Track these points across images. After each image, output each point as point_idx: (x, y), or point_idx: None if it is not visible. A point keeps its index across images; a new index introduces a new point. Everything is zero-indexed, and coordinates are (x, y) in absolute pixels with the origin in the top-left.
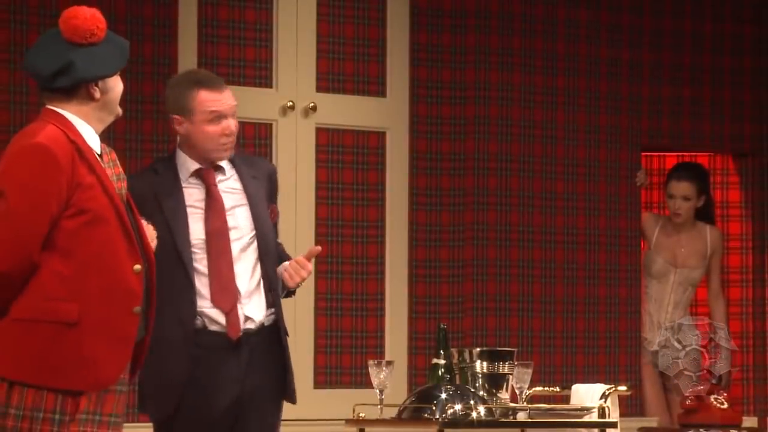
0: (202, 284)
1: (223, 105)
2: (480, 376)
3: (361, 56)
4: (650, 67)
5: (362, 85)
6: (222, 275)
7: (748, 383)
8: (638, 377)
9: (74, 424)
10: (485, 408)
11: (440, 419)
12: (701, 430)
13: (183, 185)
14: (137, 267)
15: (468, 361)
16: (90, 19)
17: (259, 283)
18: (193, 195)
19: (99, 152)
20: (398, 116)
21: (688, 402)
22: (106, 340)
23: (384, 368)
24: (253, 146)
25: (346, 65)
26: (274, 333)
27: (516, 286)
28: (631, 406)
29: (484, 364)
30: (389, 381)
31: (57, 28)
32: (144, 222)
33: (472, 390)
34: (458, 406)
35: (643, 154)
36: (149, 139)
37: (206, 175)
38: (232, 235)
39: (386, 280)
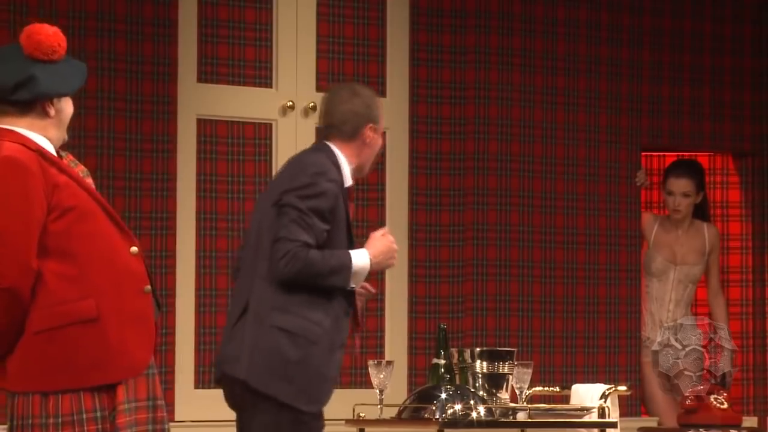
0: None
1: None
2: (480, 376)
3: (361, 56)
4: (650, 67)
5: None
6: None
7: (748, 383)
8: (638, 377)
9: (121, 416)
10: (485, 408)
11: (440, 419)
12: (701, 430)
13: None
14: (134, 249)
15: (468, 361)
16: (53, 36)
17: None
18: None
19: (58, 157)
20: (398, 116)
21: (688, 402)
22: (128, 327)
23: (384, 368)
24: (253, 146)
25: (346, 65)
26: None
27: (516, 286)
28: (631, 406)
29: (484, 364)
30: (389, 381)
31: (17, 43)
32: None
33: (472, 390)
34: (458, 406)
35: (643, 154)
36: (149, 139)
37: (351, 192)
38: None
39: (386, 280)
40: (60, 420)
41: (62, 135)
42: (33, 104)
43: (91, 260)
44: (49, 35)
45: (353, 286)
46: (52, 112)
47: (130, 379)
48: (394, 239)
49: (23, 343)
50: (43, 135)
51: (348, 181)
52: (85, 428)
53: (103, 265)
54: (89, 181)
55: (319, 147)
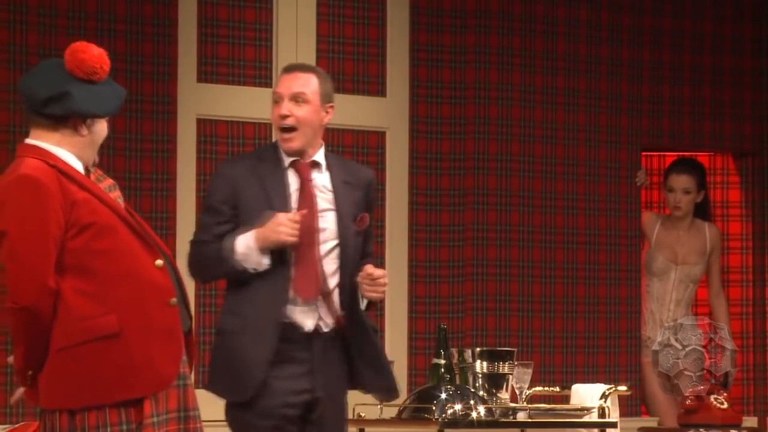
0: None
1: (280, 87)
2: (480, 376)
3: (361, 56)
4: (650, 67)
5: (362, 85)
6: (308, 270)
7: (748, 383)
8: (638, 377)
9: (147, 429)
10: (485, 408)
11: (440, 419)
12: (701, 430)
13: (286, 174)
14: (159, 262)
15: (468, 361)
16: (97, 57)
17: (334, 290)
18: (292, 184)
19: (83, 172)
20: (398, 116)
21: (688, 402)
22: (153, 340)
23: None
24: (253, 146)
25: (346, 65)
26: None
27: (516, 286)
28: (631, 406)
29: (484, 364)
30: None
31: (60, 59)
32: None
33: (472, 390)
34: (458, 406)
35: (643, 153)
36: (149, 139)
37: (301, 168)
38: (320, 236)
39: None
40: None
41: (93, 155)
42: (66, 120)
43: (112, 276)
44: (93, 56)
45: (253, 267)
46: (84, 131)
47: (160, 392)
48: (295, 217)
49: (50, 360)
50: (71, 152)
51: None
52: None
53: (124, 280)
54: (116, 194)
55: None
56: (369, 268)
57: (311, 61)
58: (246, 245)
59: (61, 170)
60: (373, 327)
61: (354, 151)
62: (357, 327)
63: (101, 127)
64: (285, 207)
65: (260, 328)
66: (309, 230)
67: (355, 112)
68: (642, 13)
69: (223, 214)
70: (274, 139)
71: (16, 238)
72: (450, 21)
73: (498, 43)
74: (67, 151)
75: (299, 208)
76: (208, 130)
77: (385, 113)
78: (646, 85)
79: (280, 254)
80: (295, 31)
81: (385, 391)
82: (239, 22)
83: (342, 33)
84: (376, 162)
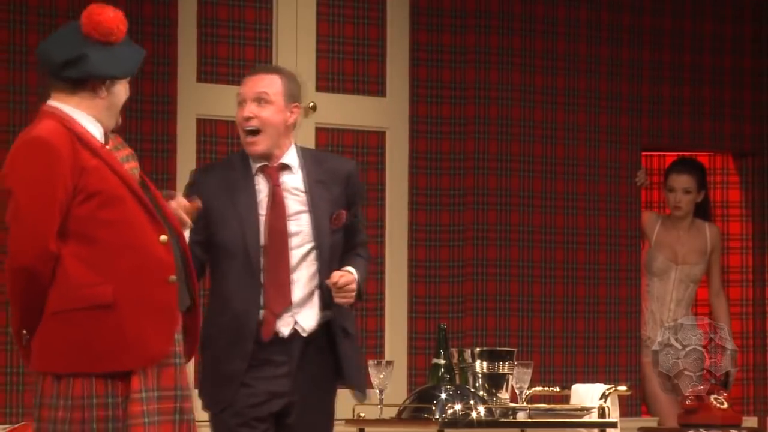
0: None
1: (244, 88)
2: (480, 376)
3: (361, 56)
4: (650, 67)
5: (362, 85)
6: (278, 279)
7: (748, 383)
8: (638, 377)
9: (134, 404)
10: (485, 408)
11: (440, 419)
12: (701, 430)
13: (255, 181)
14: (163, 237)
15: (468, 361)
16: (113, 18)
17: (313, 293)
18: (261, 192)
19: (102, 139)
20: (398, 116)
21: (688, 402)
22: (147, 315)
23: (384, 368)
24: None
25: (346, 65)
26: (325, 331)
27: (516, 286)
28: (631, 406)
29: (484, 364)
30: (389, 381)
31: (77, 21)
32: (178, 198)
33: (472, 390)
34: (458, 406)
35: (643, 153)
36: (149, 139)
37: (270, 173)
38: (293, 241)
39: (386, 280)
40: (70, 402)
41: (114, 118)
42: (84, 83)
43: (113, 246)
44: (109, 17)
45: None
46: (103, 93)
47: (151, 368)
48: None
49: (43, 323)
50: (91, 115)
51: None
52: (94, 413)
53: (125, 251)
54: (132, 164)
55: None
56: (334, 276)
57: (311, 60)
58: None
59: (77, 134)
60: (344, 328)
61: (354, 150)
62: (334, 327)
63: (121, 89)
64: (252, 215)
65: (236, 337)
66: (280, 236)
67: (354, 112)
68: (642, 13)
69: (196, 231)
70: None
71: (22, 199)
72: (450, 21)
73: (498, 43)
74: (86, 114)
75: (268, 214)
76: (208, 130)
77: (385, 113)
78: (646, 85)
79: (251, 262)
80: (294, 30)
81: (357, 390)
82: (239, 22)
83: (342, 33)
84: (376, 162)
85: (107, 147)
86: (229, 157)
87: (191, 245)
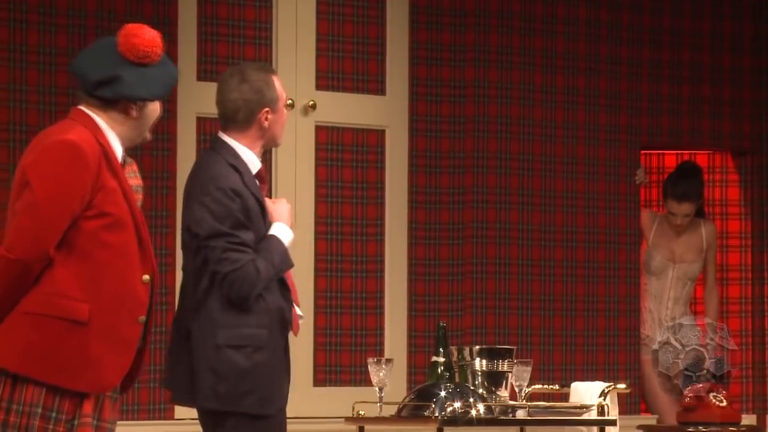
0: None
1: (282, 89)
2: (479, 374)
3: (361, 54)
4: (650, 65)
5: (362, 84)
6: (290, 275)
7: (747, 381)
8: (637, 375)
9: (85, 428)
10: (484, 406)
11: (440, 417)
12: (700, 428)
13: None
14: (146, 277)
15: (467, 359)
16: (149, 41)
17: None
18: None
19: (122, 161)
20: (398, 114)
21: (687, 400)
22: (111, 344)
23: (383, 366)
24: None
25: (346, 63)
26: None
27: (515, 284)
28: (630, 404)
29: (484, 362)
30: (389, 379)
31: (114, 38)
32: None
33: (472, 388)
34: (457, 404)
35: (643, 152)
36: None
37: (265, 174)
38: None
39: (385, 278)
40: (21, 408)
41: (142, 136)
42: (116, 103)
43: (103, 269)
44: (145, 40)
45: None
46: (134, 113)
47: (99, 397)
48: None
49: (11, 318)
50: (118, 133)
51: (254, 169)
52: (36, 422)
53: (112, 278)
54: (138, 196)
55: (215, 147)
56: None
57: (311, 59)
58: (290, 237)
59: (105, 150)
60: None
61: (354, 149)
62: None
63: (153, 108)
64: (265, 211)
65: (280, 338)
66: None
67: (354, 110)
68: (641, 12)
69: (249, 228)
70: None
71: (39, 198)
72: (449, 19)
73: (497, 42)
74: (113, 132)
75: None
76: (208, 128)
77: (385, 112)
78: (645, 83)
79: None
80: (294, 29)
81: None
82: (239, 21)
83: (342, 31)
84: (375, 160)
85: (125, 171)
86: (220, 157)
87: (254, 252)
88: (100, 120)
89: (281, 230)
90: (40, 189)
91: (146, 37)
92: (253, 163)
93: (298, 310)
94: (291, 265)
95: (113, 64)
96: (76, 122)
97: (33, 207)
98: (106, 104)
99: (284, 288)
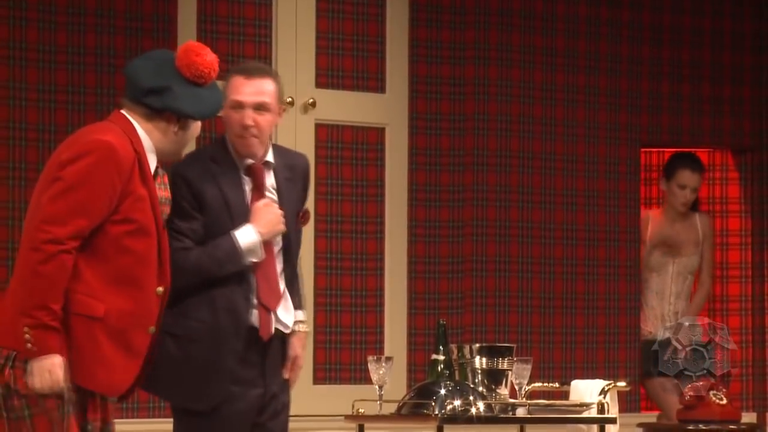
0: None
1: (242, 94)
2: (479, 371)
3: (361, 52)
4: (650, 63)
5: (361, 81)
6: (269, 275)
7: (747, 379)
8: (637, 373)
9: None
10: (484, 404)
11: (439, 415)
12: (700, 425)
13: (242, 177)
14: (160, 289)
15: (467, 357)
16: (209, 63)
17: (284, 290)
18: (246, 188)
19: (154, 172)
20: (397, 112)
21: (687, 398)
22: (122, 349)
23: (383, 364)
24: None
25: (346, 61)
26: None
27: (515, 282)
28: (630, 402)
29: (484, 359)
30: (388, 377)
31: (172, 52)
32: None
33: (472, 386)
34: (457, 402)
35: (643, 150)
36: None
37: (257, 171)
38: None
39: (385, 276)
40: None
41: (178, 153)
42: (161, 114)
43: (122, 274)
44: (205, 60)
45: (252, 260)
46: (175, 127)
47: (105, 401)
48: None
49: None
50: (155, 144)
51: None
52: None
53: (129, 285)
54: (164, 209)
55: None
56: (292, 351)
57: (311, 57)
58: (250, 239)
59: (140, 159)
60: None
61: (353, 147)
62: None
63: (194, 127)
64: (243, 209)
65: (223, 336)
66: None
67: (354, 108)
68: (641, 9)
69: (194, 217)
70: (273, 136)
71: (70, 185)
72: (449, 17)
73: (497, 40)
74: (151, 141)
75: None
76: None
77: (385, 109)
78: (645, 81)
79: None
80: (294, 27)
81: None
82: (238, 19)
83: (341, 29)
84: (375, 158)
85: (156, 182)
86: (206, 148)
87: (194, 243)
88: (140, 128)
89: (244, 231)
90: (70, 179)
91: (207, 58)
92: (229, 159)
93: (285, 318)
94: (242, 265)
95: (168, 76)
96: (116, 125)
97: (57, 202)
98: (151, 113)
99: (246, 288)
